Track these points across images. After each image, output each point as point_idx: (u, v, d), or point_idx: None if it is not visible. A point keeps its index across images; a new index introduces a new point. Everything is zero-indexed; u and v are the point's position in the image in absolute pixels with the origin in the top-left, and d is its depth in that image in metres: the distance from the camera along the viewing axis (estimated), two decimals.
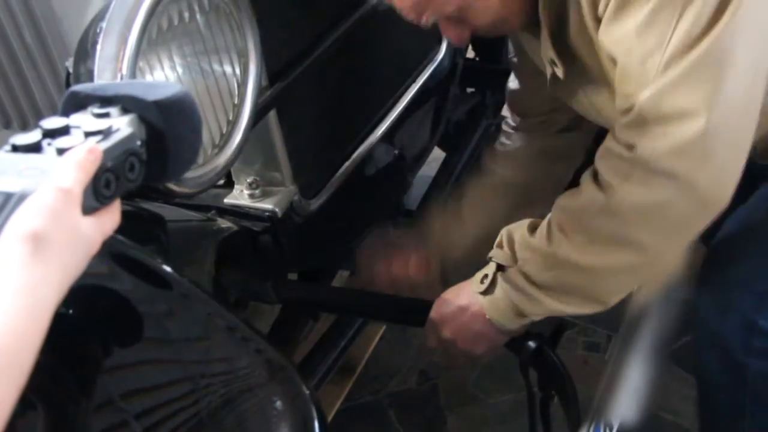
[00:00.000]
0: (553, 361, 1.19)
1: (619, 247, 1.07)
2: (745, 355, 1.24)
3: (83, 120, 0.70)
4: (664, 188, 1.01)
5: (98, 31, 0.97)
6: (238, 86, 1.11)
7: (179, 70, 1.05)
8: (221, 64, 1.09)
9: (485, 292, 1.20)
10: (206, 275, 1.16)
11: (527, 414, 1.30)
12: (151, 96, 0.72)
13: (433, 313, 1.27)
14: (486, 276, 1.20)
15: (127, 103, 0.72)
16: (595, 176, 1.08)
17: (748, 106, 1.01)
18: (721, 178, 1.01)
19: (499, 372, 2.01)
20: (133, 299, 0.89)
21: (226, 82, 1.11)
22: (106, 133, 0.69)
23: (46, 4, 1.19)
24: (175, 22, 1.02)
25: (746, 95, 1.00)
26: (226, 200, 1.28)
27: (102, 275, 0.87)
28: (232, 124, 1.12)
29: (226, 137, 1.11)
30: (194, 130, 0.77)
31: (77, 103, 0.73)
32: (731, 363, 1.25)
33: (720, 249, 1.28)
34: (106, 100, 0.73)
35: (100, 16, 0.99)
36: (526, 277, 1.14)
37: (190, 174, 1.05)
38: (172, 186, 1.01)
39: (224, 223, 1.24)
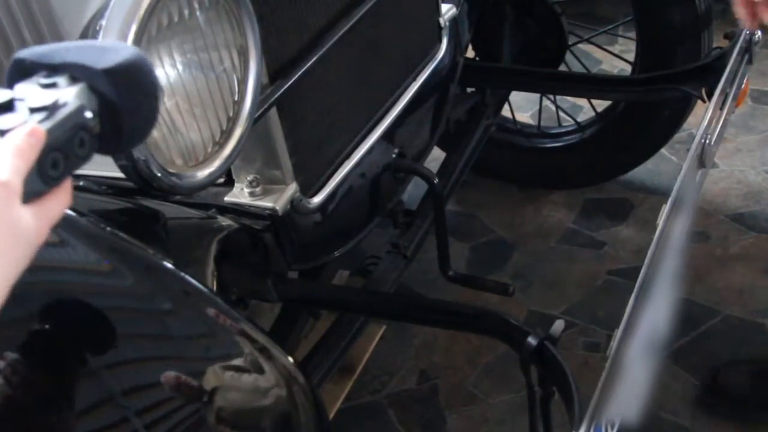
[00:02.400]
0: (554, 357, 1.19)
1: None
2: None
3: (29, 91, 0.66)
4: None
5: (98, 28, 0.97)
6: (239, 83, 1.11)
7: (179, 67, 1.05)
8: (221, 61, 1.09)
9: None
10: (207, 273, 1.15)
11: (527, 414, 1.29)
12: (101, 63, 0.68)
13: None
14: None
15: (75, 72, 0.68)
16: None
17: None
18: None
19: (499, 372, 2.01)
20: (135, 297, 0.88)
21: (227, 79, 1.10)
22: (51, 109, 0.64)
23: (45, 4, 1.19)
24: (175, 19, 1.02)
25: None
26: (226, 198, 1.28)
27: (103, 272, 0.87)
28: (233, 121, 1.12)
29: (226, 134, 1.11)
30: (149, 96, 0.72)
31: (23, 71, 0.69)
32: None
33: None
34: (53, 69, 0.68)
35: (99, 14, 0.99)
36: None
37: (190, 171, 1.05)
38: (172, 183, 1.01)
39: (224, 221, 1.23)
